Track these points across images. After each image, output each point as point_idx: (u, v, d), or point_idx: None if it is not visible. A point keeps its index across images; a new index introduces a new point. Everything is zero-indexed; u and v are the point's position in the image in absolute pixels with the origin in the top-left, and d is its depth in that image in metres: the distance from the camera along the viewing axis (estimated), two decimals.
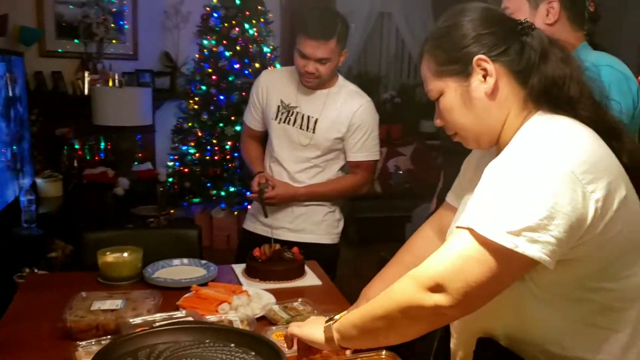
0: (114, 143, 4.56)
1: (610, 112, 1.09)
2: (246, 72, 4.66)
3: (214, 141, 4.70)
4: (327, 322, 1.20)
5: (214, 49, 4.68)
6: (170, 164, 4.86)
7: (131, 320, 1.47)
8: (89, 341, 1.42)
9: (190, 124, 4.78)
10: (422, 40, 1.17)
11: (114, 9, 4.76)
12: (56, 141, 4.35)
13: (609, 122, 1.05)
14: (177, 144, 4.86)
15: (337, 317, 1.19)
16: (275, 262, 1.99)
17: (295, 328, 1.28)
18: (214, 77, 4.67)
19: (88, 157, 4.44)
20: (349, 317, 1.14)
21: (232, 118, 4.64)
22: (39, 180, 3.79)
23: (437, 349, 1.31)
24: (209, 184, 4.77)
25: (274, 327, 1.56)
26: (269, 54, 4.79)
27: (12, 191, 3.33)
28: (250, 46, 4.70)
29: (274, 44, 4.94)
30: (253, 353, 1.18)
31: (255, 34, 4.73)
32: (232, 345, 1.21)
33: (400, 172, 5.75)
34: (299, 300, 1.73)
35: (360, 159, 2.34)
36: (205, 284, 1.85)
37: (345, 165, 2.40)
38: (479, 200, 0.97)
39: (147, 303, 1.62)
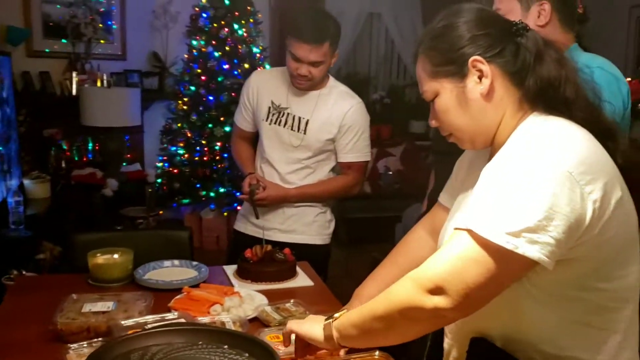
0: (102, 144, 4.53)
1: (605, 113, 1.10)
2: (235, 72, 4.64)
3: (203, 142, 4.68)
4: (326, 319, 1.20)
5: (203, 49, 4.66)
6: (159, 164, 4.83)
7: (123, 322, 1.47)
8: (81, 343, 1.40)
9: (179, 125, 4.76)
10: (417, 41, 1.17)
11: (101, 9, 4.74)
12: (44, 142, 4.32)
13: (603, 123, 1.06)
14: (166, 145, 4.84)
15: (336, 315, 1.19)
16: (267, 263, 1.99)
17: (295, 325, 1.28)
18: (203, 77, 4.65)
19: (76, 158, 4.42)
20: (349, 316, 1.15)
21: (222, 119, 4.62)
22: (26, 182, 3.76)
23: (430, 349, 1.32)
24: (198, 185, 4.74)
25: (266, 329, 1.55)
26: (258, 55, 4.78)
27: None
28: (239, 46, 4.68)
29: (264, 44, 4.93)
30: (247, 354, 1.18)
31: (245, 34, 4.72)
32: (226, 346, 1.20)
33: (390, 172, 5.76)
34: (291, 301, 1.72)
35: (352, 160, 2.34)
36: (196, 286, 1.84)
37: (336, 166, 2.40)
38: (477, 201, 0.97)
39: (139, 305, 1.61)
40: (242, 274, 1.99)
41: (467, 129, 1.12)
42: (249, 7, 4.77)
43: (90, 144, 4.50)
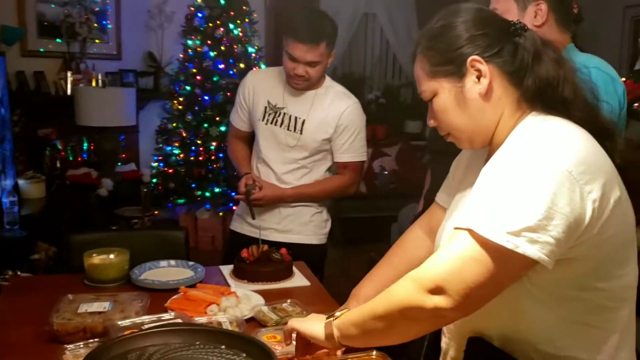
0: (97, 144, 4.52)
1: (602, 113, 1.11)
2: (231, 72, 4.64)
3: (199, 142, 4.67)
4: (327, 318, 1.20)
5: (199, 49, 4.66)
6: (155, 164, 4.82)
7: (119, 322, 1.46)
8: (77, 344, 1.40)
9: (174, 125, 4.75)
10: (415, 41, 1.17)
11: (96, 9, 4.71)
12: (39, 142, 4.30)
13: (601, 122, 1.06)
14: (161, 145, 4.83)
15: (337, 313, 1.20)
16: (264, 263, 1.99)
17: (296, 322, 1.28)
18: (198, 77, 4.64)
19: (71, 158, 4.40)
20: (349, 316, 1.15)
21: (217, 118, 4.61)
22: (21, 182, 3.75)
23: (427, 348, 1.32)
24: (193, 185, 4.74)
25: (263, 329, 1.55)
26: (253, 54, 4.78)
27: None
28: (235, 46, 4.68)
29: (259, 44, 4.92)
30: (244, 354, 1.17)
31: (240, 34, 4.71)
32: (223, 347, 1.20)
33: (386, 172, 5.77)
34: (288, 301, 1.72)
35: (348, 160, 2.34)
36: (193, 286, 1.84)
37: (332, 166, 2.40)
38: (477, 201, 0.97)
39: (135, 305, 1.61)
40: (238, 274, 1.99)
41: (466, 128, 1.12)
42: (244, 7, 4.76)
43: (85, 144, 4.49)
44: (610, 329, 1.03)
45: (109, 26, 4.82)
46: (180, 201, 4.81)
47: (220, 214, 4.77)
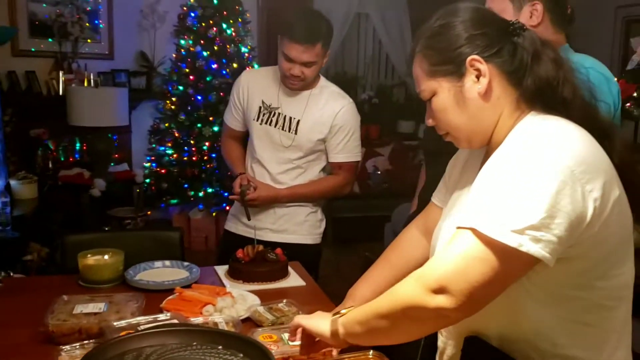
0: (90, 144, 4.51)
1: (601, 112, 1.11)
2: (224, 72, 4.63)
3: (192, 142, 4.67)
4: (333, 315, 1.21)
5: (191, 48, 4.65)
6: (147, 164, 4.81)
7: (115, 323, 1.46)
8: (73, 345, 1.40)
9: (167, 125, 4.74)
10: (413, 40, 1.16)
11: (88, 8, 4.70)
12: (30, 142, 4.28)
13: (600, 122, 1.07)
14: (154, 145, 4.82)
15: (343, 311, 1.20)
16: (259, 263, 1.99)
17: (302, 319, 1.28)
18: (191, 77, 4.63)
19: (63, 158, 4.39)
20: (354, 314, 1.15)
21: (210, 118, 4.61)
22: (13, 182, 3.73)
23: (424, 347, 1.32)
24: (186, 185, 4.73)
25: (259, 329, 1.55)
26: (246, 54, 4.77)
27: None
28: (227, 46, 4.67)
29: (252, 44, 4.92)
30: (241, 355, 1.17)
31: (233, 33, 4.70)
32: (220, 347, 1.20)
33: (379, 172, 5.78)
34: (284, 301, 1.72)
35: (342, 160, 2.34)
36: (188, 286, 1.83)
37: (326, 166, 2.40)
38: (478, 200, 0.97)
39: (131, 306, 1.60)
40: (233, 275, 1.98)
41: (465, 128, 1.12)
42: (237, 7, 4.76)
43: (78, 144, 4.48)
44: (608, 328, 1.04)
45: (101, 26, 4.80)
46: (173, 201, 4.80)
47: (214, 214, 4.76)
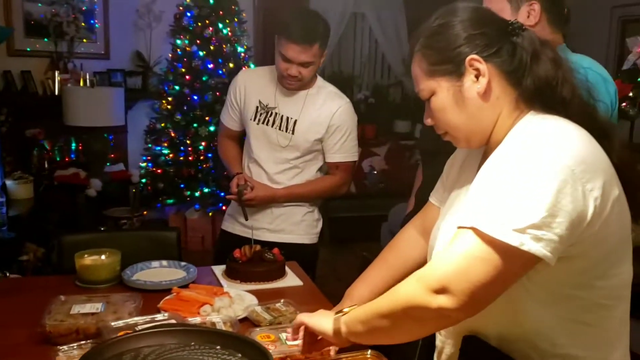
0: (86, 144, 4.50)
1: (600, 112, 1.11)
2: (220, 72, 4.63)
3: (188, 142, 4.66)
4: (336, 314, 1.21)
5: (187, 48, 4.64)
6: (143, 164, 4.80)
7: (113, 323, 1.45)
8: (70, 345, 1.39)
9: (163, 125, 4.73)
10: (413, 39, 1.16)
11: (84, 8, 4.69)
12: (26, 142, 4.27)
13: (599, 122, 1.07)
14: (150, 145, 4.81)
15: (346, 309, 1.20)
16: (256, 263, 1.98)
17: (305, 317, 1.28)
18: (187, 77, 4.63)
19: (59, 158, 4.37)
20: (357, 312, 1.15)
21: (206, 118, 4.61)
22: (8, 182, 3.72)
23: (422, 347, 1.32)
24: (182, 185, 4.72)
25: (257, 329, 1.55)
26: (242, 54, 4.77)
27: None
28: (224, 46, 4.67)
29: (248, 43, 4.92)
30: (239, 355, 1.17)
31: (229, 33, 4.70)
32: (218, 347, 1.20)
33: (375, 172, 5.78)
34: (282, 301, 1.72)
35: (339, 160, 2.34)
36: (186, 286, 1.83)
37: (323, 166, 2.40)
38: (479, 199, 0.97)
39: (128, 306, 1.60)
40: (231, 274, 1.98)
41: (464, 127, 1.12)
42: (233, 7, 4.76)
43: (74, 144, 4.46)
44: (607, 328, 1.04)
45: (97, 25, 4.79)
46: (170, 201, 4.79)
47: (210, 214, 4.76)
